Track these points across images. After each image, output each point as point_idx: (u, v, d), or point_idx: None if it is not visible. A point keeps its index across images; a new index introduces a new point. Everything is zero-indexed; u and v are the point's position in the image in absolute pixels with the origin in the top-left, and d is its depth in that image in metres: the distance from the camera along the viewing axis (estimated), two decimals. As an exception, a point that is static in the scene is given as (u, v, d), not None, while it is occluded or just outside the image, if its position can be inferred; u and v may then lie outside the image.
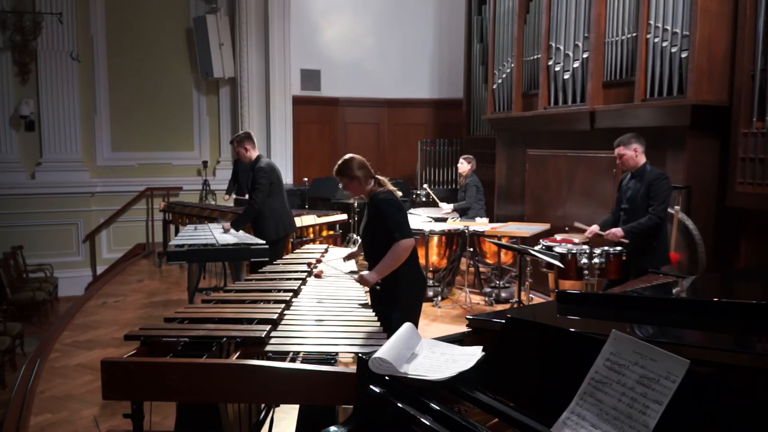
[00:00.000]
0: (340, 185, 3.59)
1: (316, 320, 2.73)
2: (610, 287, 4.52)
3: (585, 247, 4.87)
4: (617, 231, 4.56)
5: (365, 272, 3.34)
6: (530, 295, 6.05)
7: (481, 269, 7.07)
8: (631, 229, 4.50)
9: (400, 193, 3.50)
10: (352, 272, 3.70)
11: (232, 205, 7.80)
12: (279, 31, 9.88)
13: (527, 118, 7.08)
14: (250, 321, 2.63)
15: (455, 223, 6.73)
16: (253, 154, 5.51)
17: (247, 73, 9.91)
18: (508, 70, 7.43)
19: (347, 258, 3.97)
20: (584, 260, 4.75)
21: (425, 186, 7.98)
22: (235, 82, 10.06)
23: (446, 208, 7.35)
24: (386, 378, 1.77)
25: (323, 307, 3.00)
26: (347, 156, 3.49)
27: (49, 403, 4.11)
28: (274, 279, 3.56)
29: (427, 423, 1.55)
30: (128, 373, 2.07)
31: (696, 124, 5.00)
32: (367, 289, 3.39)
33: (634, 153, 4.54)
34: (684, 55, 4.97)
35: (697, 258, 4.98)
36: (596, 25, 5.91)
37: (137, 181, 9.77)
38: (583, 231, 4.94)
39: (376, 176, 3.47)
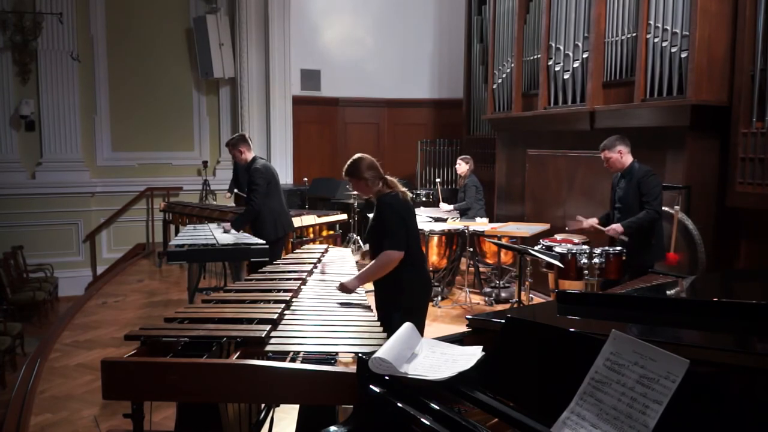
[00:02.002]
0: (349, 186, 3.55)
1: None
2: (607, 286, 4.53)
3: (585, 247, 4.87)
4: (617, 227, 4.57)
5: (346, 280, 3.29)
6: (530, 295, 6.04)
7: (481, 269, 7.07)
8: (629, 224, 4.52)
9: (410, 195, 3.45)
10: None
11: (233, 204, 7.80)
12: (279, 31, 9.88)
13: (527, 118, 7.08)
14: (250, 321, 2.63)
15: (455, 223, 6.73)
16: (249, 155, 5.51)
17: (247, 73, 9.91)
18: (508, 70, 7.43)
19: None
20: (584, 260, 4.75)
21: (437, 180, 8.17)
22: (235, 82, 10.06)
23: (446, 208, 7.35)
24: (386, 378, 1.77)
25: (323, 307, 3.00)
26: (357, 156, 3.44)
27: (49, 403, 4.11)
28: (274, 279, 3.56)
29: (427, 423, 1.55)
30: (128, 373, 2.07)
31: (696, 124, 5.00)
32: (370, 288, 3.38)
33: (620, 155, 4.62)
34: (684, 55, 4.97)
35: (697, 258, 4.98)
36: (596, 25, 5.91)
37: (137, 181, 9.77)
38: (580, 223, 4.96)
39: (386, 177, 3.42)
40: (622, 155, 4.61)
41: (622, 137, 4.66)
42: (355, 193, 3.46)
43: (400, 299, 3.30)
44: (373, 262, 3.29)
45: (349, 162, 3.44)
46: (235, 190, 7.28)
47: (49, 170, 9.18)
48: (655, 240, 4.56)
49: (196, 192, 9.80)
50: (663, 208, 5.16)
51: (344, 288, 3.23)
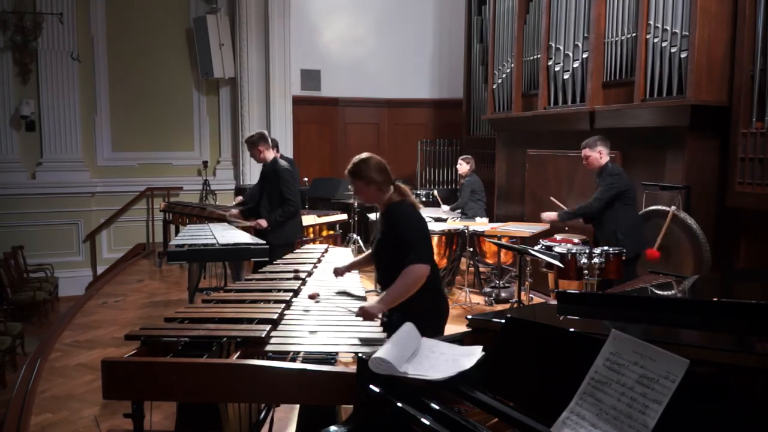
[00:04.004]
0: (351, 189, 3.07)
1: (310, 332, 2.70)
2: (605, 286, 4.55)
3: (585, 247, 4.87)
4: (552, 214, 5.22)
5: (367, 303, 2.83)
6: (530, 295, 6.04)
7: (481, 269, 7.07)
8: (565, 213, 5.15)
9: (421, 206, 3.06)
10: (353, 296, 3.13)
11: (235, 203, 7.77)
12: (279, 31, 9.89)
13: (527, 118, 7.08)
14: (250, 321, 2.62)
15: (455, 223, 6.73)
16: (269, 155, 5.27)
17: (247, 73, 9.91)
18: (508, 70, 7.43)
19: (343, 270, 3.31)
20: (584, 260, 4.74)
21: (434, 192, 8.30)
22: (235, 82, 10.06)
23: (445, 209, 7.35)
24: (386, 378, 1.77)
25: (323, 306, 3.00)
26: (364, 155, 2.95)
27: (50, 403, 4.11)
28: (274, 279, 3.56)
29: (427, 423, 1.55)
30: (128, 373, 2.07)
31: (696, 124, 5.01)
32: (371, 288, 3.33)
33: (599, 155, 4.90)
34: (684, 55, 4.97)
35: (702, 257, 4.98)
36: (596, 25, 5.91)
37: (137, 181, 9.77)
38: (557, 207, 5.41)
39: (397, 183, 2.95)
40: (602, 156, 4.89)
41: (604, 139, 4.93)
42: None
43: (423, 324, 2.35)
44: (397, 280, 2.76)
45: (353, 161, 2.93)
46: (240, 197, 7.08)
47: (49, 170, 9.17)
48: (622, 234, 4.78)
49: (196, 192, 9.81)
50: (661, 207, 5.19)
51: (366, 314, 2.68)
